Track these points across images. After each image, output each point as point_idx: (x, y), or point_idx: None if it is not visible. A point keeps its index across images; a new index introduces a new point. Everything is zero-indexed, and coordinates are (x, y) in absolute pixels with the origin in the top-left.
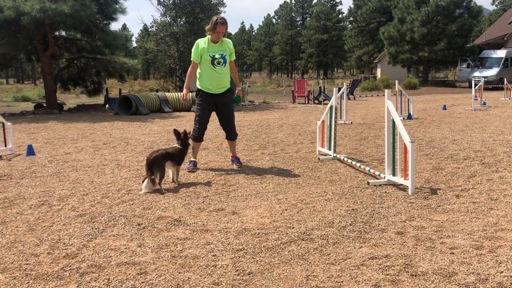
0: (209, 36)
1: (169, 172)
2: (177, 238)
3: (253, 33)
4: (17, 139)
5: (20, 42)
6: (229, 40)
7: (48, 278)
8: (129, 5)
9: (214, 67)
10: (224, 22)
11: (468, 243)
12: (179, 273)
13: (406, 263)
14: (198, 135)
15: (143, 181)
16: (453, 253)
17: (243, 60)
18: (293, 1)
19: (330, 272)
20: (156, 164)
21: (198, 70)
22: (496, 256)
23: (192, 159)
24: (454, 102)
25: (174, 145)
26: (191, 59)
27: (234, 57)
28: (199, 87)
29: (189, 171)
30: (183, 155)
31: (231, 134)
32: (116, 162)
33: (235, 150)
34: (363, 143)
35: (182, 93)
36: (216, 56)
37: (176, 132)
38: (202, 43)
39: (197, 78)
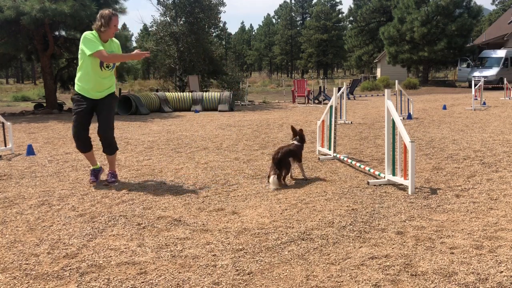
0: (97, 34)
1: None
2: (177, 238)
3: (253, 33)
4: (17, 139)
5: (20, 42)
6: (117, 41)
7: (48, 278)
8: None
9: (101, 69)
10: (117, 14)
11: (468, 243)
12: (179, 273)
13: (406, 263)
14: (80, 146)
15: (268, 178)
16: (453, 253)
17: (243, 60)
18: (293, 1)
19: (330, 272)
20: (283, 161)
21: (80, 71)
22: (496, 256)
23: (92, 167)
24: (454, 102)
25: (292, 142)
26: (96, 50)
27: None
28: (78, 91)
29: (91, 183)
30: (301, 151)
31: (109, 148)
32: (116, 162)
33: (115, 165)
34: (363, 143)
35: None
36: None
37: (293, 129)
38: (94, 37)
39: (76, 79)
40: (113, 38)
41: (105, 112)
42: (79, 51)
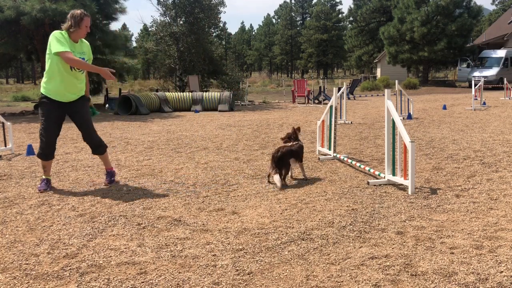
0: (66, 34)
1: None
2: (177, 238)
3: (253, 33)
4: (17, 139)
5: (20, 42)
6: (88, 43)
7: (48, 278)
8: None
9: (72, 70)
10: (88, 14)
11: (468, 243)
12: (179, 273)
13: (406, 263)
14: (44, 153)
15: (268, 177)
16: (453, 253)
17: (243, 60)
18: (293, 1)
19: (330, 272)
20: (283, 161)
21: (49, 72)
22: (496, 256)
23: (44, 177)
24: (454, 102)
25: (295, 142)
26: (62, 50)
27: (91, 62)
28: (45, 93)
29: (40, 191)
30: (303, 151)
31: (100, 148)
32: (116, 162)
33: (109, 162)
34: (363, 143)
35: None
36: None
37: (293, 130)
38: (62, 37)
39: (43, 81)
40: (84, 40)
41: (81, 116)
42: (47, 51)
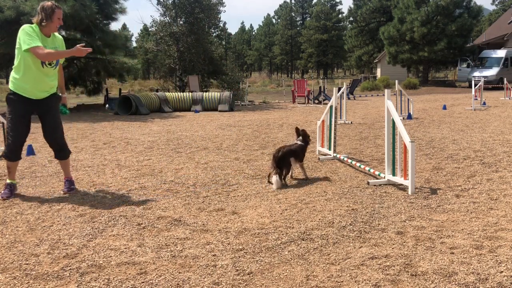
0: (37, 28)
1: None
2: (177, 238)
3: (253, 33)
4: None
5: None
6: (61, 37)
7: (48, 278)
8: (129, 5)
9: (43, 67)
10: (60, 6)
11: (468, 243)
12: (179, 273)
13: (406, 263)
14: (11, 153)
15: (268, 177)
16: (453, 253)
17: (243, 60)
18: (293, 1)
19: (330, 272)
20: (283, 161)
21: (18, 68)
22: (496, 256)
23: (8, 181)
24: (454, 102)
25: (295, 142)
26: (33, 45)
27: (64, 58)
28: (14, 90)
29: (3, 199)
30: (304, 152)
31: (62, 152)
32: (116, 162)
33: (69, 170)
34: (363, 143)
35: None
36: None
37: (296, 129)
38: (33, 32)
39: (12, 77)
40: (56, 33)
41: (51, 115)
42: (16, 45)
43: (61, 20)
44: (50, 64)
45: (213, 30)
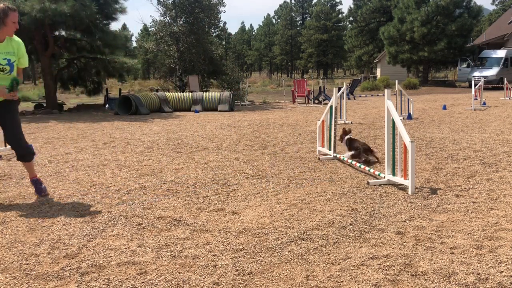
0: None
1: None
2: (177, 238)
3: (253, 33)
4: None
5: None
6: (19, 40)
7: (48, 278)
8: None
9: None
10: (15, 8)
11: (468, 243)
12: (179, 273)
13: (406, 263)
14: None
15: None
16: (453, 253)
17: (243, 60)
18: (293, 1)
19: (330, 272)
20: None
21: None
22: (496, 256)
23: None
24: (454, 102)
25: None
26: None
27: (26, 63)
28: None
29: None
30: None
31: (25, 157)
32: (116, 162)
33: (34, 170)
34: None
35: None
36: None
37: (343, 130)
38: None
39: None
40: (14, 37)
41: (9, 118)
42: None
43: (16, 23)
44: (2, 71)
45: (213, 30)
